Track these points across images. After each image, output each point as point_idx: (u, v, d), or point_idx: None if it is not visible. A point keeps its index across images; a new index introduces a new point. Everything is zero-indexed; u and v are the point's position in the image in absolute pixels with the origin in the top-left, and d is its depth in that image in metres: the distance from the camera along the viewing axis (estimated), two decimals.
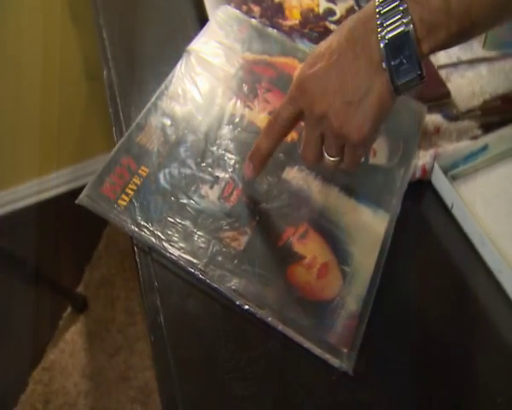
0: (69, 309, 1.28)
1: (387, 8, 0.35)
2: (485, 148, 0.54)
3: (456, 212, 0.51)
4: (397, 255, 0.46)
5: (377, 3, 0.36)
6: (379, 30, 0.35)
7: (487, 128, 0.56)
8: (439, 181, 0.52)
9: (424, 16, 0.33)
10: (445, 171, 0.53)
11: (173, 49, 0.53)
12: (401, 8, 0.34)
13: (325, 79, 0.37)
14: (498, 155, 0.55)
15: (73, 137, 1.37)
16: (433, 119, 0.56)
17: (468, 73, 0.61)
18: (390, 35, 0.34)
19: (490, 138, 0.54)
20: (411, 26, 0.33)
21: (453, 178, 0.53)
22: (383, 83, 0.35)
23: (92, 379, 1.19)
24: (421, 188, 0.52)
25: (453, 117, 0.57)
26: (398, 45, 0.34)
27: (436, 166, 0.51)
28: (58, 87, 1.19)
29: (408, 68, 0.34)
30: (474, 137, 0.56)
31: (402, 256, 0.47)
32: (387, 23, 0.34)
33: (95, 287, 1.31)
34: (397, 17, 0.34)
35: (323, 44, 0.38)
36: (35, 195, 1.42)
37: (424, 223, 0.50)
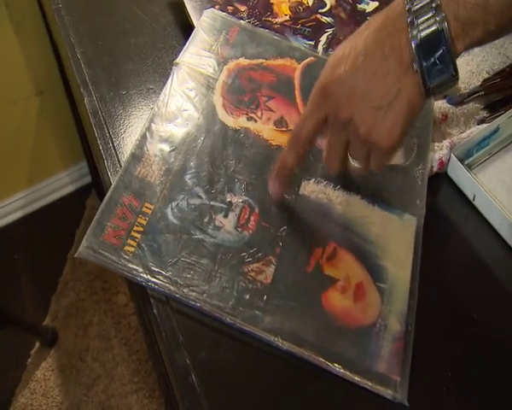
0: (37, 345, 1.11)
1: (419, 6, 0.30)
2: (496, 130, 0.49)
3: (478, 203, 0.46)
4: (428, 259, 0.41)
5: (406, 0, 0.31)
6: (409, 29, 0.30)
7: (492, 108, 0.52)
8: (458, 172, 0.47)
9: (459, 13, 0.29)
10: (461, 161, 0.48)
11: (156, 61, 0.45)
12: (434, 4, 0.30)
13: (351, 82, 0.32)
14: (510, 136, 0.50)
15: (27, 158, 1.17)
16: (439, 106, 0.51)
17: (463, 54, 0.56)
18: (422, 34, 0.30)
19: (500, 120, 0.49)
20: (445, 24, 0.29)
21: (469, 168, 0.49)
22: (414, 85, 0.31)
23: None
24: (437, 181, 0.47)
25: (458, 101, 0.52)
26: (430, 45, 0.30)
27: (453, 156, 0.47)
28: (6, 106, 1.03)
29: (441, 69, 0.30)
30: (482, 121, 0.52)
31: (433, 259, 0.42)
32: (419, 21, 0.30)
33: (63, 316, 1.14)
34: (429, 15, 0.30)
35: (347, 45, 0.33)
36: None
37: (447, 219, 0.46)
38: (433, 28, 0.29)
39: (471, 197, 0.47)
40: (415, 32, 0.30)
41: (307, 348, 0.36)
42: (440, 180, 0.48)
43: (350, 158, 0.37)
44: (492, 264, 0.44)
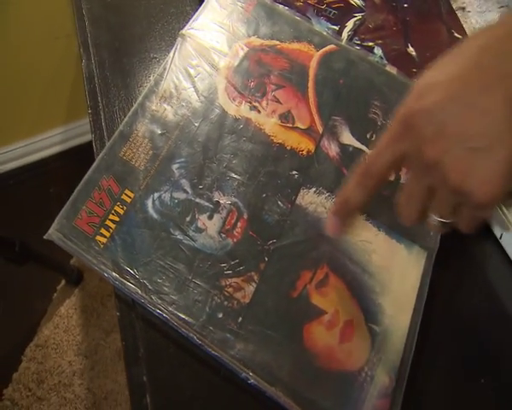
0: (63, 282, 1.09)
1: None
2: None
3: (505, 243, 0.37)
4: (436, 298, 0.34)
5: None
6: None
7: None
8: None
9: None
10: None
11: (165, 27, 0.38)
12: None
13: (440, 115, 0.24)
14: None
15: (66, 94, 1.12)
16: None
17: None
18: None
19: None
20: None
21: (501, 200, 0.40)
22: None
23: (88, 358, 1.01)
24: None
25: None
26: None
27: None
28: (50, 41, 0.96)
29: None
30: None
31: (442, 305, 0.34)
32: None
33: None
34: None
35: (437, 68, 0.24)
36: (20, 158, 1.16)
37: (467, 254, 0.37)
38: None
39: (498, 235, 0.38)
40: None
41: (279, 387, 0.29)
42: None
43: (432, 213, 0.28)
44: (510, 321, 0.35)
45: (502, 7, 0.48)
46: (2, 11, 0.87)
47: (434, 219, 0.27)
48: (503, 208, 0.39)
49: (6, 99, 1.04)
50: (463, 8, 0.48)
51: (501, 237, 0.38)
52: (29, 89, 1.04)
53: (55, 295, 1.08)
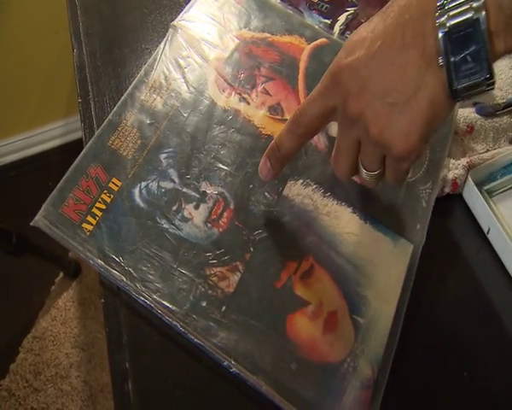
0: (61, 275, 1.08)
1: None
2: None
3: (492, 238, 0.36)
4: (421, 292, 0.33)
5: None
6: (438, 13, 0.22)
7: None
8: (473, 199, 0.37)
9: (503, 3, 0.21)
10: (480, 185, 0.38)
11: (157, 19, 0.37)
12: None
13: (364, 71, 0.24)
14: None
15: (66, 88, 1.10)
16: (466, 115, 0.40)
17: None
18: (452, 22, 0.22)
19: None
20: (483, 13, 0.21)
21: (489, 194, 0.38)
22: (438, 83, 0.23)
23: (85, 350, 1.01)
24: (450, 202, 0.38)
25: (489, 112, 0.41)
26: (461, 37, 0.22)
27: (470, 180, 0.37)
28: (50, 35, 0.94)
29: (472, 68, 0.23)
30: None
31: (428, 297, 0.34)
32: (450, 6, 0.22)
33: None
34: None
35: (366, 27, 0.25)
36: (20, 150, 1.15)
37: (454, 249, 0.36)
38: (467, 16, 0.22)
39: (485, 229, 0.37)
40: (443, 19, 0.22)
41: (261, 376, 0.29)
42: (454, 202, 0.38)
43: (361, 166, 0.28)
44: (500, 312, 0.34)
45: None
46: (3, 5, 0.86)
47: (365, 172, 0.28)
48: (490, 201, 0.38)
49: (7, 92, 1.03)
50: None
51: (488, 232, 0.37)
52: (30, 82, 1.03)
53: (53, 287, 1.07)
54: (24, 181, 1.05)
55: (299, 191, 0.34)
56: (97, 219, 0.31)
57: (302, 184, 0.34)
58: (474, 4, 0.21)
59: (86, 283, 1.08)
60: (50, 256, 1.00)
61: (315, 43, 0.39)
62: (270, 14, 0.39)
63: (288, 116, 0.36)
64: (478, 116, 0.40)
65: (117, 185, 0.32)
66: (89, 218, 0.31)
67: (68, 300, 1.06)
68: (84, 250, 0.30)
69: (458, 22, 0.22)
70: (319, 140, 0.36)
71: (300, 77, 0.37)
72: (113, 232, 0.30)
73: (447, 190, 0.37)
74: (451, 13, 0.22)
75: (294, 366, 0.29)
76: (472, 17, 0.21)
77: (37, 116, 1.13)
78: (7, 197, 1.10)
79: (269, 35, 0.38)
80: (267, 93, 0.36)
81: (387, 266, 0.33)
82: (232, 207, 0.32)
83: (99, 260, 0.30)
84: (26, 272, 1.06)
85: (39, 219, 0.30)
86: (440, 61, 0.22)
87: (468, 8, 0.21)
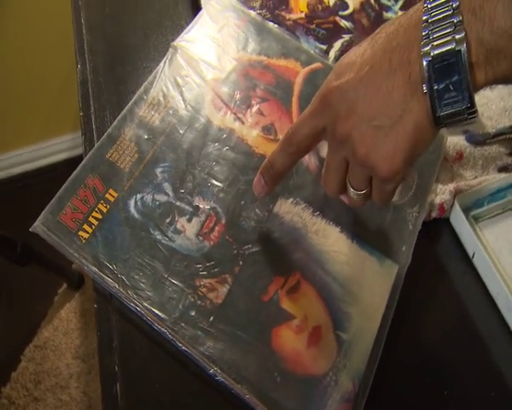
0: (64, 286, 1.21)
1: (437, 17, 0.26)
2: None
3: (477, 263, 0.42)
4: (405, 312, 0.38)
5: (424, 9, 0.27)
6: (423, 42, 0.27)
7: None
8: (459, 224, 0.43)
9: (484, 37, 0.25)
10: (467, 210, 0.44)
11: (159, 39, 0.43)
12: (454, 20, 0.26)
13: (352, 94, 0.29)
14: None
15: (74, 103, 1.26)
16: (455, 142, 0.47)
17: (499, 85, 0.51)
18: (436, 52, 0.26)
19: None
20: (464, 45, 0.26)
21: (476, 219, 0.44)
22: (422, 109, 0.27)
23: (85, 361, 1.11)
24: (438, 226, 0.43)
25: (479, 141, 0.47)
26: (444, 66, 0.26)
27: (456, 205, 0.43)
28: (58, 51, 1.07)
29: (454, 97, 0.26)
30: (504, 168, 0.47)
31: (411, 318, 0.39)
32: (434, 36, 0.26)
33: None
34: (447, 30, 0.26)
35: (355, 51, 0.30)
36: (29, 162, 1.32)
37: (440, 271, 0.42)
38: (449, 47, 0.26)
39: (470, 254, 0.43)
40: (427, 48, 0.26)
41: (245, 386, 0.34)
42: (441, 226, 0.43)
43: (349, 185, 0.33)
44: (482, 335, 0.39)
45: None
46: (13, 21, 0.99)
47: (352, 191, 0.33)
48: (476, 227, 0.44)
49: (17, 104, 1.19)
50: None
51: (473, 257, 0.42)
52: (40, 95, 1.18)
53: (56, 298, 1.20)
54: (31, 192, 1.19)
55: (289, 209, 0.40)
56: (93, 227, 0.36)
57: (292, 202, 0.40)
58: (457, 36, 0.25)
59: (89, 294, 1.18)
60: (54, 267, 1.11)
61: (310, 67, 0.45)
62: (267, 37, 0.46)
63: (280, 137, 0.42)
64: (467, 144, 0.47)
65: (113, 196, 0.37)
66: (85, 226, 0.36)
67: (71, 311, 1.18)
68: (80, 257, 0.35)
69: (442, 52, 0.26)
70: (310, 161, 0.41)
71: (294, 99, 0.44)
72: (108, 241, 0.36)
73: (434, 214, 0.43)
74: (435, 43, 0.26)
75: (278, 377, 0.34)
76: (454, 48, 0.26)
77: (45, 130, 1.30)
78: (14, 207, 1.24)
79: (265, 58, 0.45)
80: (261, 114, 0.43)
81: (372, 285, 0.39)
82: (223, 221, 0.38)
83: (93, 267, 0.35)
84: (30, 282, 1.19)
85: (38, 226, 0.36)
86: (424, 88, 0.27)
87: (450, 40, 0.26)
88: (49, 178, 1.24)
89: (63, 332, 1.15)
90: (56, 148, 1.34)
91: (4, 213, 1.19)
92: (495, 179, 0.45)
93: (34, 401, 1.08)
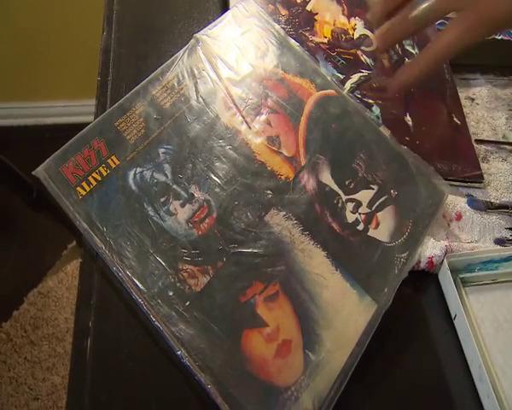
0: (74, 242, 1.77)
1: None
2: (509, 259, 0.64)
3: (458, 325, 0.61)
4: (378, 355, 0.56)
5: None
6: None
7: None
8: (446, 282, 0.62)
9: None
10: (457, 271, 0.64)
11: (185, 28, 0.65)
12: None
13: None
14: None
15: None
16: (457, 202, 0.68)
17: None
18: None
19: None
20: None
21: (464, 283, 0.64)
22: None
23: None
24: (426, 279, 0.63)
25: (480, 207, 0.69)
26: None
27: (445, 263, 0.62)
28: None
29: None
30: (500, 241, 0.68)
31: (384, 357, 0.57)
32: None
33: None
34: None
35: None
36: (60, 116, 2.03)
37: (420, 323, 0.60)
38: None
39: (453, 315, 0.62)
40: None
41: (208, 375, 0.50)
42: (430, 280, 0.63)
43: None
44: (452, 399, 0.55)
45: (511, 110, 0.77)
46: None
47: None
48: (463, 290, 0.63)
49: (58, 58, 1.87)
50: (472, 100, 0.77)
51: (454, 318, 0.61)
52: (79, 55, 1.79)
53: (65, 252, 1.80)
54: (55, 145, 1.48)
55: (280, 222, 0.59)
56: (91, 187, 0.55)
57: (284, 216, 0.59)
58: None
59: None
60: (66, 222, 1.42)
61: (324, 92, 0.68)
62: (287, 53, 0.68)
63: (283, 150, 0.62)
64: (468, 207, 0.68)
65: (115, 163, 0.56)
66: (84, 184, 0.55)
67: (76, 268, 1.69)
68: (74, 211, 0.54)
69: None
70: (308, 181, 0.61)
71: (303, 118, 0.65)
72: (103, 203, 0.54)
73: (423, 266, 0.63)
74: None
75: (241, 376, 0.52)
76: None
77: (80, 89, 1.99)
78: (37, 155, 1.58)
79: (282, 72, 0.67)
80: (269, 123, 0.63)
81: (349, 316, 0.57)
82: (214, 215, 0.57)
83: (85, 224, 0.53)
84: (43, 230, 1.83)
85: (40, 171, 0.54)
86: None
87: None
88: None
89: (67, 286, 1.70)
90: (87, 109, 1.90)
91: (27, 158, 1.62)
92: (489, 249, 0.65)
93: (30, 343, 1.63)
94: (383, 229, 0.62)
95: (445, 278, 0.63)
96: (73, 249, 1.74)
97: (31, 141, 1.97)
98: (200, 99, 0.62)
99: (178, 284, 0.53)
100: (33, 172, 0.54)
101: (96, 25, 1.57)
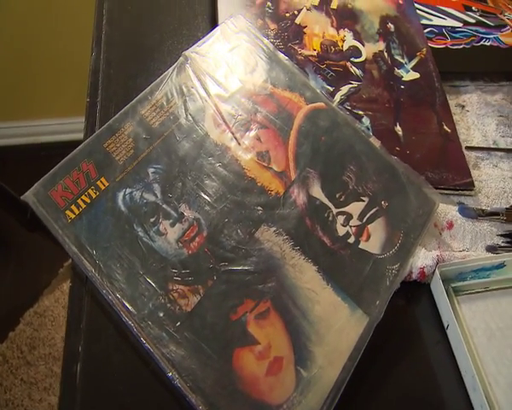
0: (70, 261, 1.42)
1: None
2: (500, 266, 0.61)
3: (450, 335, 0.58)
4: (371, 368, 0.53)
5: None
6: None
7: (510, 239, 0.65)
8: (438, 292, 0.59)
9: None
10: (448, 281, 0.61)
11: (174, 46, 0.61)
12: None
13: None
14: None
15: None
16: (448, 210, 0.65)
17: (502, 165, 0.71)
18: None
19: (509, 257, 0.61)
20: None
21: (456, 292, 0.61)
22: None
23: None
24: (418, 290, 0.60)
25: (471, 215, 0.65)
26: None
27: (437, 273, 0.59)
28: None
29: None
30: (492, 248, 0.64)
31: (377, 370, 0.54)
32: None
33: None
34: None
35: None
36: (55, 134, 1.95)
37: (413, 334, 0.57)
38: None
39: (445, 324, 0.59)
40: None
41: (199, 396, 0.47)
42: (422, 290, 0.60)
43: None
44: (444, 407, 0.53)
45: (501, 116, 0.73)
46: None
47: None
48: (455, 299, 0.60)
49: (52, 76, 1.75)
50: (463, 106, 0.74)
51: (447, 328, 0.58)
52: (74, 72, 1.64)
53: (61, 270, 1.70)
54: (51, 163, 1.49)
55: (271, 238, 0.55)
56: (80, 210, 0.51)
57: (275, 232, 0.56)
58: None
59: None
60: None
61: (313, 105, 0.64)
62: (276, 67, 0.64)
63: (273, 165, 0.59)
64: (460, 216, 0.64)
65: (104, 185, 0.53)
66: (73, 207, 0.51)
67: None
68: (63, 235, 0.50)
69: None
70: (299, 196, 0.58)
71: (293, 133, 0.61)
72: (92, 226, 0.51)
73: (414, 276, 0.60)
74: None
75: (233, 395, 0.48)
76: None
77: (75, 106, 1.82)
78: (32, 174, 1.58)
79: (271, 86, 0.63)
80: (258, 139, 0.60)
81: (340, 331, 0.54)
82: (205, 234, 0.54)
83: (74, 248, 0.50)
84: (39, 250, 1.67)
85: (28, 195, 0.51)
86: None
87: None
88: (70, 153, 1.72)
89: (63, 305, 1.62)
90: (82, 126, 1.70)
91: (24, 176, 1.59)
92: (480, 257, 0.62)
93: (27, 364, 1.55)
94: (374, 241, 0.59)
95: (437, 288, 0.59)
96: (69, 267, 1.51)
97: (27, 160, 1.89)
98: (190, 117, 0.59)
99: (169, 305, 0.50)
100: (22, 197, 0.51)
101: (88, 43, 1.58)
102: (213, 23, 0.63)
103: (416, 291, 0.60)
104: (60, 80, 1.75)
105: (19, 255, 1.70)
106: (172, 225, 0.53)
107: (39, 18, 1.62)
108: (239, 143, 0.59)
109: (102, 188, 0.53)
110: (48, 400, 1.50)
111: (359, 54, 0.70)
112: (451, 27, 0.79)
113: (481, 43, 0.77)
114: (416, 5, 0.79)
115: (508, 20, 0.80)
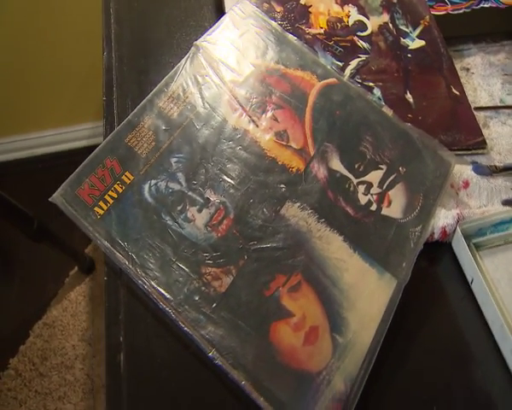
0: (76, 269, 1.58)
1: None
2: None
3: (475, 289, 0.55)
4: (400, 329, 0.51)
5: None
6: None
7: None
8: (460, 249, 0.56)
9: None
10: (469, 237, 0.57)
11: (183, 37, 0.58)
12: None
13: None
14: None
15: (98, 92, 1.70)
16: (463, 170, 0.61)
17: (511, 121, 0.67)
18: None
19: None
20: None
21: (477, 248, 0.58)
22: None
23: (91, 345, 1.45)
24: (440, 249, 0.57)
25: (486, 172, 0.62)
26: None
27: (458, 230, 0.56)
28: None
29: None
30: (508, 202, 0.61)
31: (407, 331, 0.51)
32: None
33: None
34: None
35: None
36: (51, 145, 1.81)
37: (438, 293, 0.55)
38: None
39: (469, 280, 0.56)
40: None
41: (241, 372, 0.45)
42: (444, 249, 0.57)
43: None
44: (475, 360, 0.51)
45: (505, 74, 0.69)
46: (47, 10, 1.39)
47: None
48: (477, 254, 0.57)
49: (44, 89, 1.62)
50: (468, 70, 0.69)
51: (472, 283, 0.55)
52: (65, 82, 1.60)
53: (67, 279, 1.59)
54: (50, 174, 1.41)
55: (296, 213, 0.52)
56: (108, 205, 0.48)
57: (299, 207, 0.53)
58: None
59: (99, 281, 1.55)
60: (67, 249, 1.43)
61: (325, 81, 0.60)
62: (286, 48, 0.60)
63: (292, 143, 0.55)
64: (474, 174, 0.60)
65: (129, 179, 0.50)
66: (101, 203, 0.48)
67: (80, 294, 1.56)
68: (94, 231, 0.47)
69: None
70: (319, 170, 0.54)
71: (308, 110, 0.57)
72: (121, 220, 0.48)
73: (436, 236, 0.57)
74: None
75: (273, 368, 0.46)
76: None
77: (68, 116, 1.75)
78: (33, 187, 1.56)
79: (283, 67, 0.59)
80: (275, 119, 0.56)
81: (371, 295, 0.51)
82: (232, 216, 0.50)
83: (106, 242, 0.47)
84: (44, 261, 1.61)
85: (57, 197, 0.48)
86: None
87: None
88: (68, 163, 1.68)
89: (71, 313, 1.53)
90: (77, 134, 1.73)
91: (24, 190, 1.49)
92: (498, 211, 0.59)
93: (39, 376, 1.45)
94: (395, 206, 0.55)
95: (459, 245, 0.56)
96: (75, 276, 1.58)
97: (25, 173, 1.78)
98: (207, 105, 0.55)
99: (203, 288, 0.47)
100: (50, 199, 0.48)
101: (79, 53, 1.49)
102: (219, 12, 0.60)
103: (437, 251, 0.56)
104: (52, 91, 1.65)
105: (23, 269, 1.61)
106: (199, 210, 0.50)
107: (29, 31, 1.50)
108: (257, 125, 0.56)
109: (128, 182, 0.50)
110: (63, 408, 1.44)
111: (365, 27, 0.66)
112: None
113: (480, 5, 0.72)
114: None
115: None
